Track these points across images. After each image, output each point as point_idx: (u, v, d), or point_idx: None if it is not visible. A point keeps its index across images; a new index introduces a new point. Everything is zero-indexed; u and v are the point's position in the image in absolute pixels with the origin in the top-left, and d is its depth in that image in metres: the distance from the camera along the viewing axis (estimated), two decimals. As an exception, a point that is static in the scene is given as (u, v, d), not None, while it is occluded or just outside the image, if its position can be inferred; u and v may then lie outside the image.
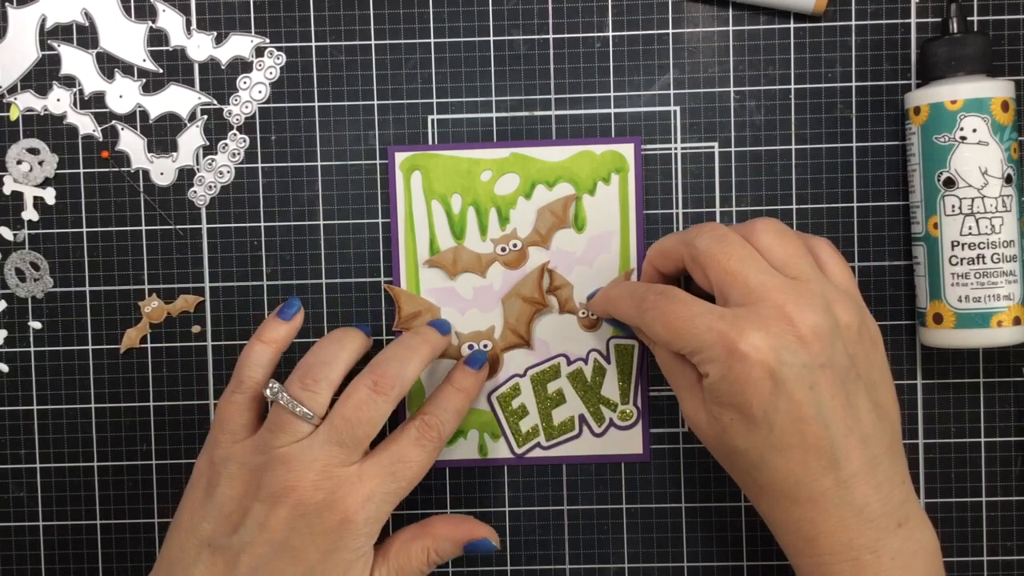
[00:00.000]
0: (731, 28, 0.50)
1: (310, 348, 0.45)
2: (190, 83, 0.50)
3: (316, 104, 0.50)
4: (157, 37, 0.50)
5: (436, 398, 0.47)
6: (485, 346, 0.50)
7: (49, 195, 0.51)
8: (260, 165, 0.51)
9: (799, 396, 0.39)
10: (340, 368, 0.45)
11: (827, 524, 0.40)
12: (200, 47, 0.50)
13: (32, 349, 0.51)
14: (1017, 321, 0.46)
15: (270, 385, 0.44)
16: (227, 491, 0.43)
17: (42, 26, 0.50)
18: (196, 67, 0.50)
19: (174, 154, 0.51)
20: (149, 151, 0.51)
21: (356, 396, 0.43)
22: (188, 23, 0.50)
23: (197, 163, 0.51)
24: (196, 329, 0.51)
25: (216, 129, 0.51)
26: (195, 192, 0.51)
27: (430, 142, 0.50)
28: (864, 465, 0.40)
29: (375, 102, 0.50)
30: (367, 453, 0.44)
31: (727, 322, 0.39)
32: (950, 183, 0.46)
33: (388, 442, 0.45)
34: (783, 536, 0.42)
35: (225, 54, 0.50)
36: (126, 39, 0.50)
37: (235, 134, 0.51)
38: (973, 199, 0.46)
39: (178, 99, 0.50)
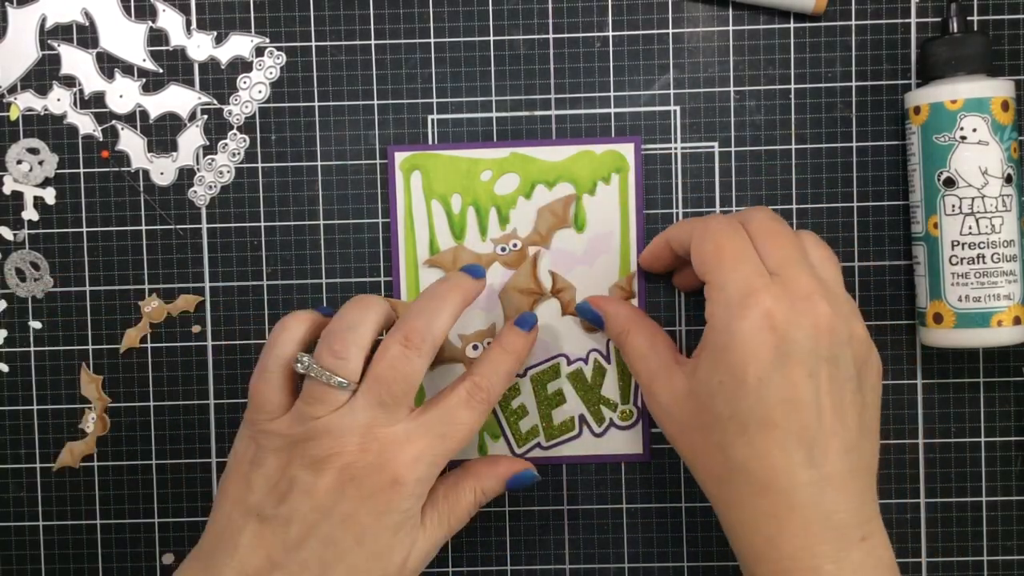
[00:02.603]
0: (731, 28, 0.50)
1: (334, 315, 0.44)
2: (190, 83, 0.50)
3: (316, 104, 0.50)
4: (157, 37, 0.50)
5: (485, 359, 0.46)
6: (489, 344, 0.50)
7: (49, 195, 0.51)
8: (260, 165, 0.51)
9: (796, 377, 0.39)
10: (368, 332, 0.43)
11: (792, 523, 0.39)
12: (200, 47, 0.50)
13: (32, 349, 0.51)
14: (1017, 321, 0.46)
15: (300, 359, 0.42)
16: (272, 462, 0.42)
17: (42, 26, 0.50)
18: (196, 67, 0.50)
19: (174, 154, 0.51)
20: (149, 151, 0.51)
21: (388, 355, 0.42)
22: (188, 23, 0.50)
23: (197, 163, 0.51)
24: (196, 329, 0.51)
25: (216, 129, 0.51)
26: (195, 192, 0.51)
27: (430, 142, 0.50)
28: (842, 471, 0.39)
29: (375, 102, 0.50)
30: (412, 411, 0.43)
31: (760, 277, 0.39)
32: (950, 183, 0.46)
33: (436, 402, 0.44)
34: (742, 537, 0.40)
35: (225, 54, 0.50)
36: (126, 39, 0.50)
37: (235, 134, 0.51)
38: (973, 199, 0.46)
39: (178, 99, 0.50)
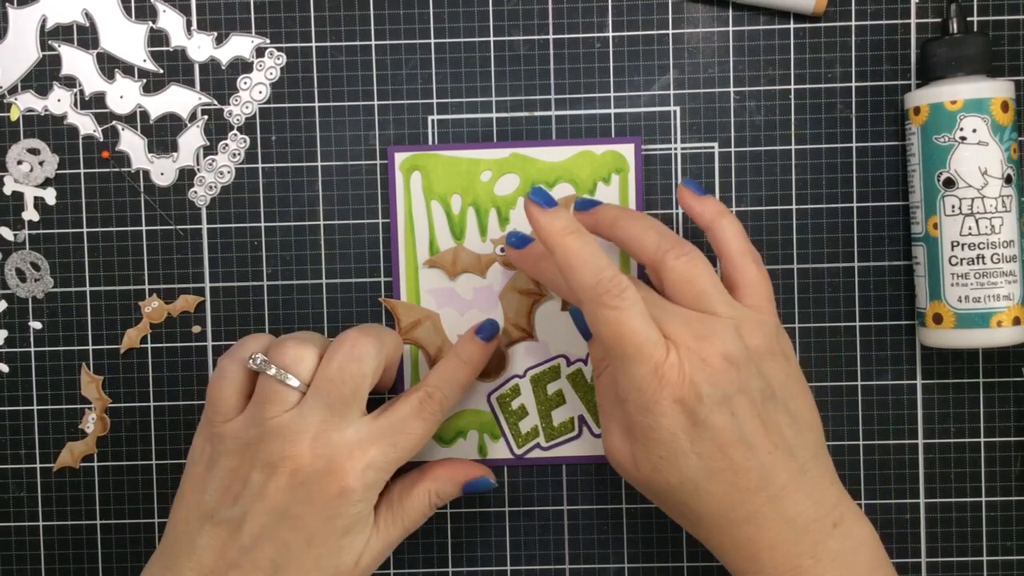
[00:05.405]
0: (731, 28, 0.50)
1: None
2: (190, 83, 0.51)
3: (316, 104, 0.50)
4: (157, 37, 0.50)
5: (440, 369, 0.47)
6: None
7: (49, 195, 0.51)
8: (260, 165, 0.51)
9: (720, 423, 0.40)
10: (321, 340, 0.45)
11: (765, 539, 0.41)
12: (200, 47, 0.50)
13: (32, 349, 0.51)
14: (1017, 321, 0.46)
15: (253, 357, 0.43)
16: (226, 464, 0.43)
17: (42, 26, 0.50)
18: (196, 67, 0.50)
19: (174, 154, 0.51)
20: (149, 151, 0.51)
21: (337, 356, 0.43)
22: (188, 23, 0.50)
23: (197, 163, 0.51)
24: (196, 329, 0.51)
25: (216, 129, 0.51)
26: (195, 192, 0.51)
27: (430, 142, 0.50)
28: (791, 477, 0.41)
29: (375, 102, 0.50)
30: (364, 415, 0.44)
31: (657, 349, 0.40)
32: (950, 183, 0.46)
33: (389, 408, 0.45)
34: (726, 558, 0.42)
35: (225, 54, 0.50)
36: (126, 39, 0.50)
37: (235, 134, 0.51)
38: (973, 199, 0.46)
39: (178, 99, 0.50)
